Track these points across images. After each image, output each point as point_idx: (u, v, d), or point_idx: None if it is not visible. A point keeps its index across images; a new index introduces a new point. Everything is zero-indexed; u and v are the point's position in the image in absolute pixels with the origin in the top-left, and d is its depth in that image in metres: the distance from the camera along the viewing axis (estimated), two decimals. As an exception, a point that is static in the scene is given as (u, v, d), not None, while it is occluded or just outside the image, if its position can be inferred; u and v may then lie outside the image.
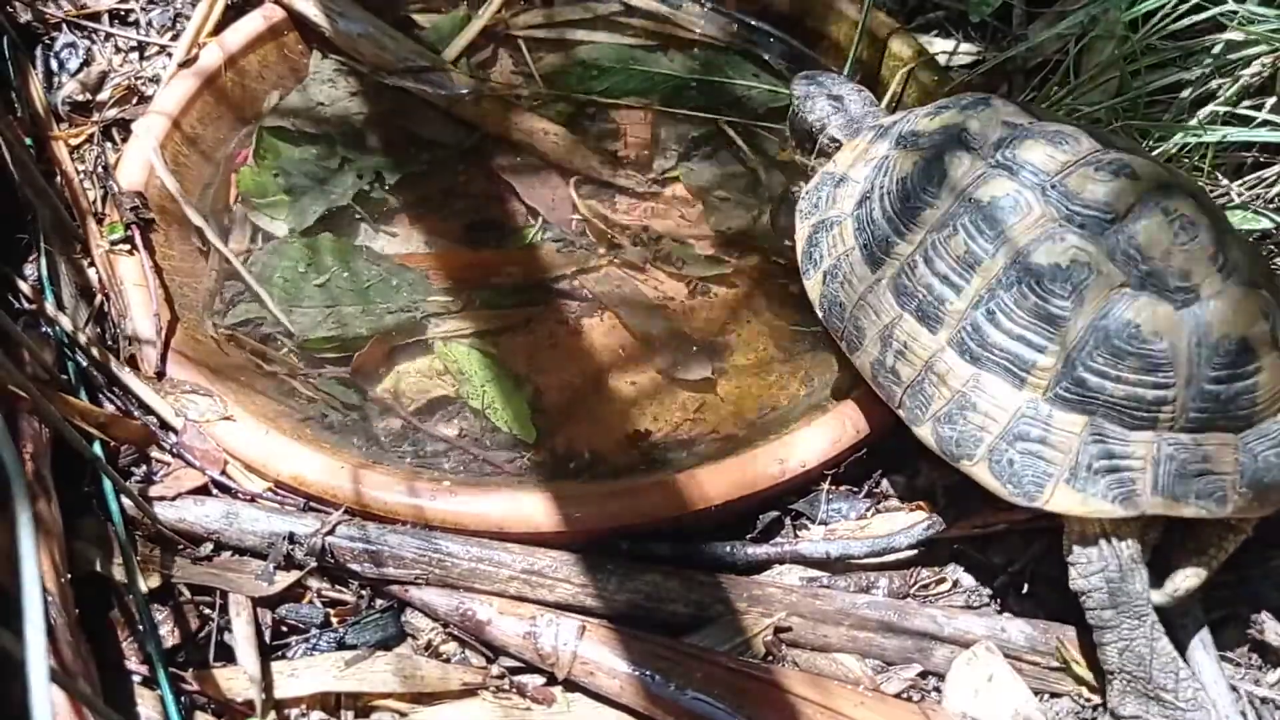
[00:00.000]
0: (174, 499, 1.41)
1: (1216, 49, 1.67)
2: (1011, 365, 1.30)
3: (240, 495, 1.44)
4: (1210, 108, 1.67)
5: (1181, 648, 1.31)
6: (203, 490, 1.43)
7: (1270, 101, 1.64)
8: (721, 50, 2.09)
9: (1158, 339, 1.24)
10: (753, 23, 2.10)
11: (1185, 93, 1.68)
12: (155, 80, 1.94)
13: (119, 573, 1.34)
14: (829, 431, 1.48)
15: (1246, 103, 1.67)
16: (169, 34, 2.02)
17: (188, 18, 2.00)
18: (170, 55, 1.96)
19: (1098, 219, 1.29)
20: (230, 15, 1.98)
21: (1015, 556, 1.44)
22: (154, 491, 1.42)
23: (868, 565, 1.43)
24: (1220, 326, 1.25)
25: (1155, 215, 1.28)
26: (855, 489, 1.51)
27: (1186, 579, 1.30)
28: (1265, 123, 1.63)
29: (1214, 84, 1.68)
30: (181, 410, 1.48)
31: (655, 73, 2.04)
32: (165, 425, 1.49)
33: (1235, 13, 1.59)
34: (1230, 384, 1.25)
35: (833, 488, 1.50)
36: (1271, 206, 1.61)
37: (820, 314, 1.49)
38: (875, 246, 1.43)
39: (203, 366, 1.53)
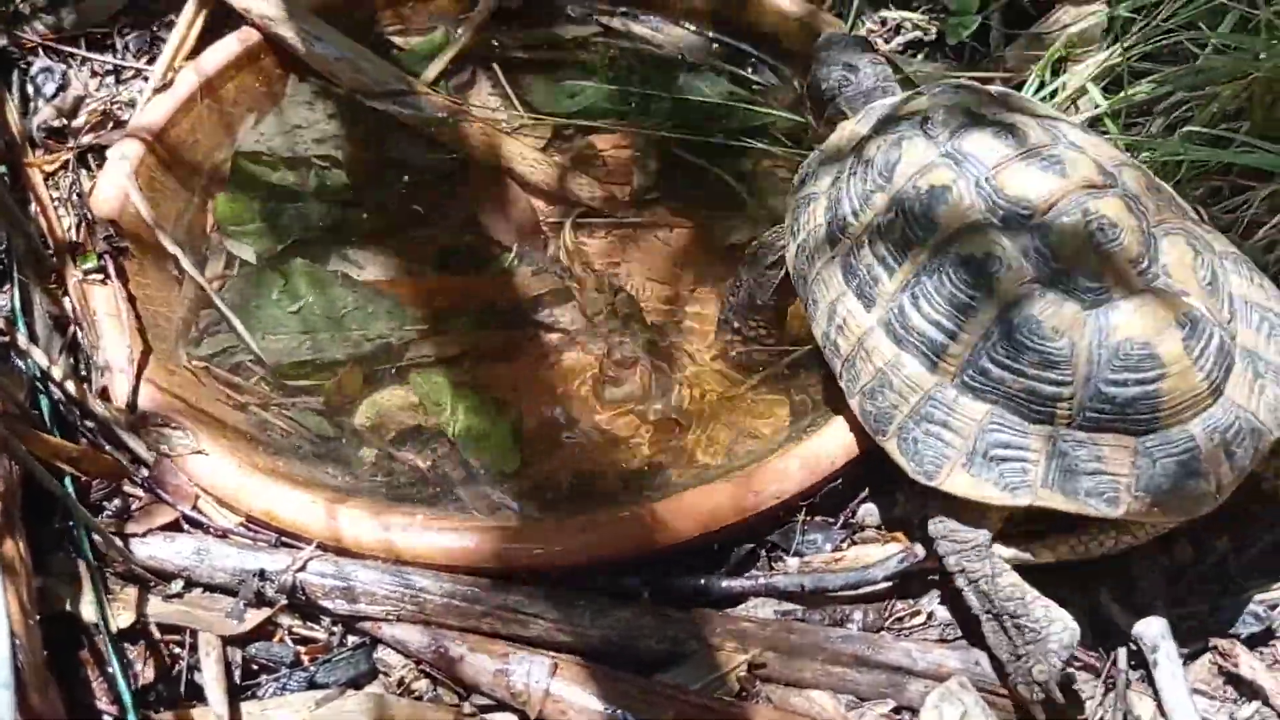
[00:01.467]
0: (145, 535, 1.40)
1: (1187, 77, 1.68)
2: (926, 349, 1.35)
3: (212, 530, 1.43)
4: (1188, 128, 1.67)
5: (1153, 681, 1.31)
6: (174, 526, 1.43)
7: (1245, 126, 1.64)
8: (701, 70, 2.08)
9: (1057, 336, 1.28)
10: (732, 43, 2.10)
11: (1161, 120, 1.68)
12: (131, 105, 1.93)
13: (89, 611, 1.33)
14: (804, 462, 1.47)
15: (1223, 125, 1.67)
16: (145, 58, 2.01)
17: (164, 41, 1.98)
18: (146, 79, 1.94)
19: (1018, 214, 1.33)
20: (207, 39, 1.96)
21: (990, 588, 1.43)
22: (126, 528, 1.41)
23: (843, 598, 1.43)
24: (1124, 330, 1.27)
25: (1074, 215, 1.31)
26: (831, 519, 1.50)
27: (1042, 552, 1.32)
28: (1243, 144, 1.63)
29: (1188, 97, 1.68)
30: (154, 444, 1.47)
31: (634, 94, 2.03)
32: (137, 460, 1.48)
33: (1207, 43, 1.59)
34: (1128, 388, 1.27)
35: (808, 519, 1.49)
36: (1243, 234, 1.60)
37: (793, 283, 1.54)
38: (835, 224, 1.48)
39: (176, 398, 1.52)
